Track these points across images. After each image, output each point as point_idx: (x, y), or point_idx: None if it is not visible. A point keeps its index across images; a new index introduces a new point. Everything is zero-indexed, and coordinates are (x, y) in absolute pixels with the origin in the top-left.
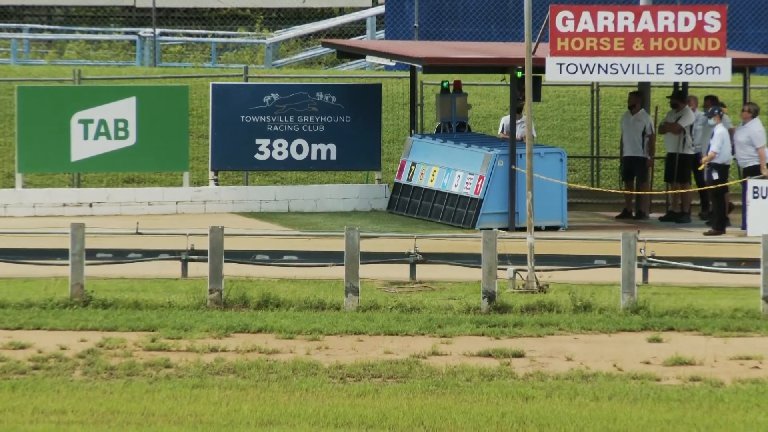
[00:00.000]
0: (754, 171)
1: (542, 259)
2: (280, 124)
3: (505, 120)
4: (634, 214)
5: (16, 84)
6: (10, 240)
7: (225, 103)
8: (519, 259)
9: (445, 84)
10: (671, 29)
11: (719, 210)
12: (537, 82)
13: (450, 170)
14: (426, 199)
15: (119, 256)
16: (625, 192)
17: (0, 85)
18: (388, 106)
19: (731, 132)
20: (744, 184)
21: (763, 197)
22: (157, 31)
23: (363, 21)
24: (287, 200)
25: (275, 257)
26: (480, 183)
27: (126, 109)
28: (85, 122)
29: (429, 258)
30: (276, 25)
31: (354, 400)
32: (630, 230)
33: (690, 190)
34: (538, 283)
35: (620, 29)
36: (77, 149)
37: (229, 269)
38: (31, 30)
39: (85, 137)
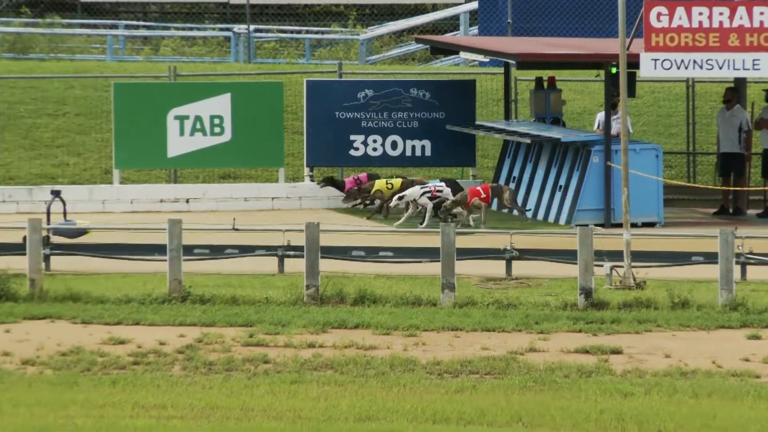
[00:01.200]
0: None
1: (639, 256)
2: (374, 120)
3: (601, 116)
4: (731, 211)
5: (112, 80)
6: (108, 236)
7: (319, 99)
8: (615, 255)
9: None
10: (767, 24)
11: None
12: (632, 78)
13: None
14: None
15: (216, 251)
16: (722, 188)
17: (97, 81)
18: (482, 102)
19: None
20: None
21: None
22: (252, 27)
23: (456, 17)
24: None
25: (371, 253)
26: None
27: (221, 105)
28: (181, 118)
29: (525, 254)
30: (369, 21)
31: (452, 396)
32: (727, 227)
33: None
34: (635, 279)
35: (715, 24)
36: (173, 145)
37: (325, 265)
38: (127, 27)
39: (181, 133)
